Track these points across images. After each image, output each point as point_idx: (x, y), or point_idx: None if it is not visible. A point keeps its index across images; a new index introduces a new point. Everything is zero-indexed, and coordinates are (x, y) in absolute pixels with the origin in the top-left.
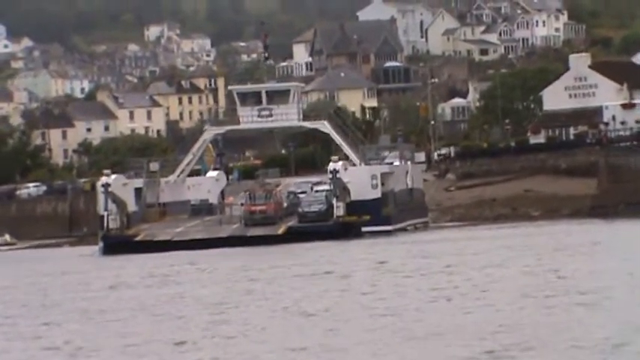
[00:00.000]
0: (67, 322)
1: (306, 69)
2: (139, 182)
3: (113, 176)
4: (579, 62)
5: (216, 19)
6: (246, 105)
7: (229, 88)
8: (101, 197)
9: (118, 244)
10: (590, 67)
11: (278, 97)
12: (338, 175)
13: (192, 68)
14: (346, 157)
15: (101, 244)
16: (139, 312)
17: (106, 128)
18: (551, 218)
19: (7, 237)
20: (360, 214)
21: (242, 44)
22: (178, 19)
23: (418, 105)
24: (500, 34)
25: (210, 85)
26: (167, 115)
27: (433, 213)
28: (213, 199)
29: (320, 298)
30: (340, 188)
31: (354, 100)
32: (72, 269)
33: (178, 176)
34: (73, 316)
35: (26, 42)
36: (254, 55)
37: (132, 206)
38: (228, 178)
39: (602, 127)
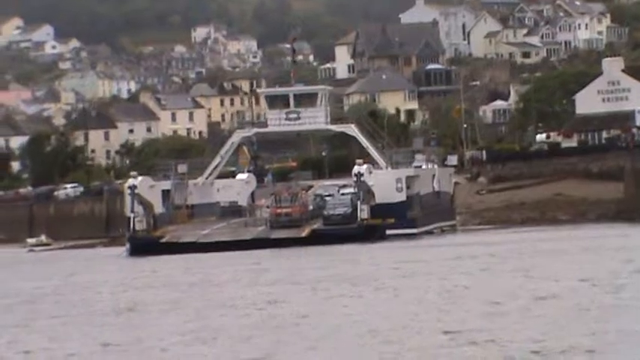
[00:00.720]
0: None
1: (348, 71)
2: (166, 184)
3: (140, 178)
4: (612, 66)
5: (262, 21)
6: (275, 108)
7: (258, 91)
8: (128, 199)
9: (144, 246)
10: (623, 71)
11: (306, 100)
12: (362, 179)
13: (238, 70)
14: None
15: (128, 245)
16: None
17: (148, 129)
18: (578, 222)
19: (43, 237)
20: (385, 217)
21: (288, 46)
22: (225, 20)
23: (456, 108)
24: (542, 37)
25: (253, 87)
26: (209, 116)
27: (463, 216)
28: (243, 202)
29: None
30: (364, 191)
31: (395, 103)
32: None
33: (207, 178)
34: None
35: (74, 43)
36: (300, 57)
37: (159, 208)
38: (263, 180)
39: (634, 130)
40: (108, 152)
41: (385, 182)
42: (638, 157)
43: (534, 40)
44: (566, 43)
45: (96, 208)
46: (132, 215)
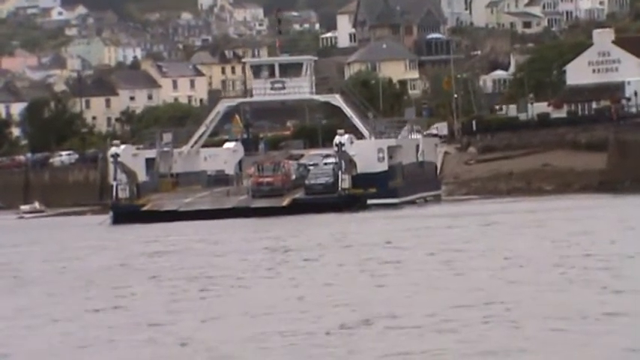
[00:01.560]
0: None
1: (350, 40)
2: (150, 153)
3: (123, 146)
4: (603, 37)
5: None
6: (260, 77)
7: (243, 60)
8: (111, 167)
9: (126, 214)
10: (613, 42)
11: (291, 70)
12: (344, 149)
13: (242, 37)
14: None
15: (111, 213)
16: None
17: (150, 97)
18: (562, 192)
19: (37, 204)
20: (367, 187)
21: (295, 14)
22: None
23: (446, 79)
24: (543, 7)
25: (254, 55)
26: (210, 84)
27: (450, 186)
28: (230, 170)
29: None
30: (346, 161)
31: (396, 72)
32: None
33: (192, 147)
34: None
35: (80, 9)
36: (306, 25)
37: (142, 176)
38: (257, 149)
39: (623, 101)
40: (109, 119)
41: (367, 152)
42: (621, 129)
43: (536, 10)
44: (567, 13)
45: (90, 175)
46: (114, 183)
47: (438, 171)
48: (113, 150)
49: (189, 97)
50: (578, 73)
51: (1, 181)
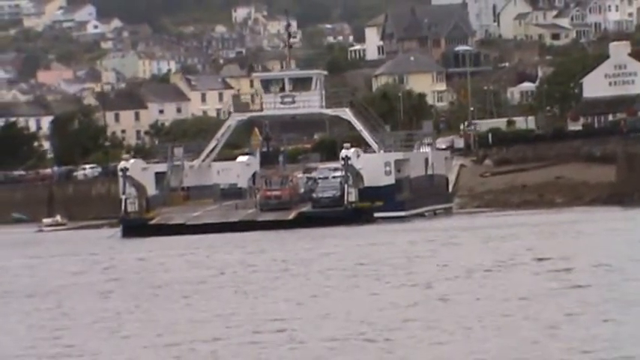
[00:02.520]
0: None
1: (378, 52)
2: (160, 167)
3: (132, 161)
4: (619, 50)
5: (302, 1)
6: (270, 92)
7: (253, 75)
8: (120, 181)
9: (135, 227)
10: (629, 54)
11: (301, 84)
12: (350, 162)
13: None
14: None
15: (120, 226)
16: None
17: (178, 110)
18: (573, 205)
19: (59, 217)
20: (374, 200)
21: (328, 26)
22: (265, 0)
23: (462, 91)
24: (572, 19)
25: (283, 67)
26: (238, 97)
27: (463, 198)
28: (243, 184)
29: None
30: (353, 174)
31: (423, 84)
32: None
33: (203, 161)
34: None
35: (116, 23)
36: (340, 37)
37: (152, 190)
38: (277, 162)
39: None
40: (138, 132)
41: (373, 166)
42: (630, 142)
43: (564, 21)
44: (596, 24)
45: (112, 188)
46: (123, 197)
47: (452, 184)
48: (122, 164)
49: (218, 110)
50: (595, 85)
51: (26, 194)
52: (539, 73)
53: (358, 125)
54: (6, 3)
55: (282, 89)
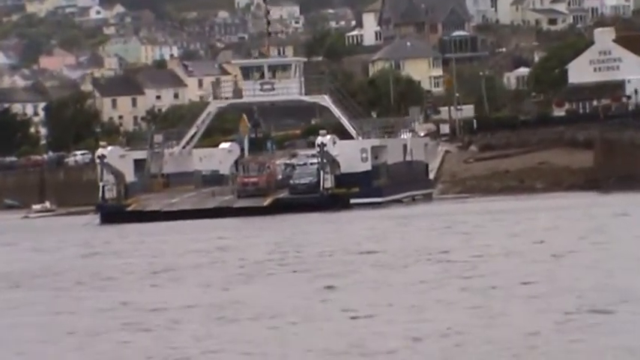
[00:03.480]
0: None
1: (375, 38)
2: (139, 154)
3: (109, 148)
4: (604, 36)
5: None
6: (249, 79)
7: (232, 62)
8: (98, 168)
9: (112, 214)
10: (614, 40)
11: (280, 71)
12: (325, 149)
13: (280, 35)
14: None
15: (98, 213)
16: None
17: (176, 96)
18: (553, 190)
19: (47, 204)
20: (350, 187)
21: (331, 11)
22: None
23: (446, 78)
24: (569, 4)
25: (280, 54)
26: (235, 83)
27: (446, 184)
28: (225, 170)
29: None
30: (329, 161)
31: (420, 70)
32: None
33: (184, 148)
34: None
35: (118, 8)
36: (342, 23)
37: (130, 177)
38: (266, 147)
39: (624, 99)
40: (135, 118)
41: (349, 152)
42: (607, 128)
43: (561, 6)
44: (593, 9)
45: None
46: (101, 184)
47: (436, 169)
48: (99, 151)
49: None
50: (580, 71)
51: (17, 180)
52: (535, 59)
53: (337, 112)
54: None
55: (262, 76)
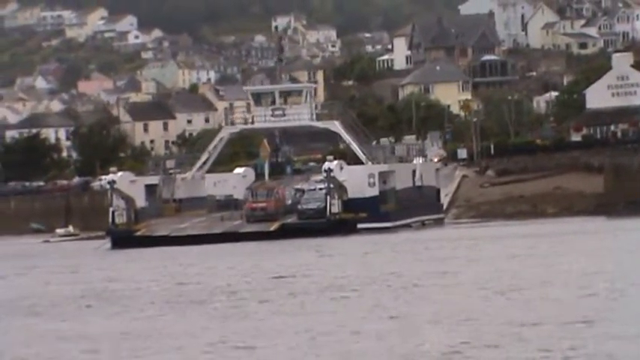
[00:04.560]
0: None
1: (406, 62)
2: (151, 179)
3: (120, 174)
4: (621, 61)
5: (342, 11)
6: (261, 105)
7: (244, 88)
8: (108, 194)
9: (122, 239)
10: (632, 66)
11: (291, 97)
12: (332, 174)
13: (317, 59)
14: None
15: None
16: None
17: (206, 120)
18: (564, 215)
19: (71, 228)
20: (358, 212)
21: (367, 35)
22: (306, 10)
23: (465, 102)
24: (599, 28)
25: (310, 78)
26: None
27: (460, 209)
28: (239, 195)
29: None
30: (336, 186)
31: (449, 94)
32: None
33: (196, 173)
34: None
35: (156, 33)
36: (379, 47)
37: (141, 202)
38: (286, 172)
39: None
40: (166, 142)
41: (357, 177)
42: (617, 153)
43: (592, 31)
44: (623, 34)
45: None
46: (111, 209)
47: (451, 194)
48: (110, 177)
49: (245, 120)
50: (598, 96)
51: (44, 204)
52: (565, 83)
53: (347, 138)
54: (49, 14)
55: (273, 102)
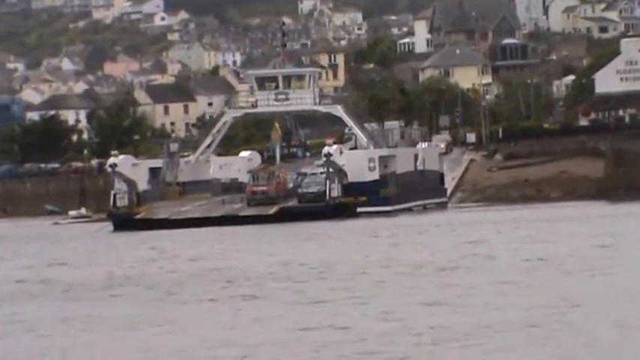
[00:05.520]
0: None
1: (426, 45)
2: (154, 162)
3: (121, 157)
4: (630, 46)
5: None
6: (264, 89)
7: (247, 72)
8: (110, 177)
9: (123, 222)
10: None
11: (294, 81)
12: (332, 159)
13: (343, 42)
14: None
15: (110, 221)
16: None
17: (226, 102)
18: (567, 199)
19: (83, 210)
20: (358, 196)
21: (393, 18)
22: None
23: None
24: (620, 12)
25: (331, 61)
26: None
27: (465, 193)
28: (244, 178)
29: None
30: (336, 170)
31: (469, 77)
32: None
33: (200, 156)
34: None
35: (182, 15)
36: (405, 29)
37: (143, 185)
38: (297, 155)
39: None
40: (187, 125)
41: (357, 162)
42: (618, 138)
43: (612, 14)
44: None
45: None
46: (112, 192)
47: (458, 178)
48: (111, 160)
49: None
50: (607, 81)
51: (59, 186)
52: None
53: (350, 122)
54: None
55: (277, 87)
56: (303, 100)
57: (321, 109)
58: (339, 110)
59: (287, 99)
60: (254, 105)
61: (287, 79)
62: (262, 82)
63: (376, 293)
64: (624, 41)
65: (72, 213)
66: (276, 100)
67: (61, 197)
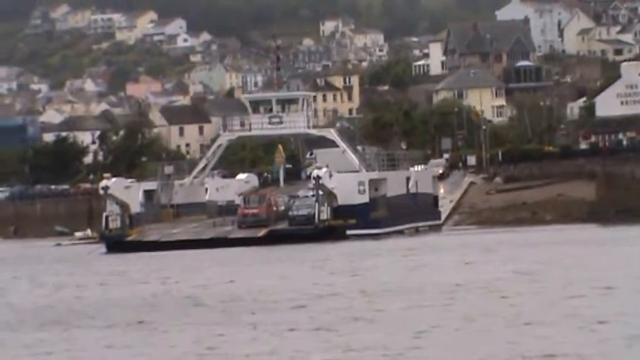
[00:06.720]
0: None
1: (441, 67)
2: (148, 185)
3: (113, 179)
4: (630, 70)
5: (390, 15)
6: (258, 112)
7: (242, 96)
8: (102, 199)
9: (115, 244)
10: None
11: (288, 105)
12: (321, 182)
13: (364, 63)
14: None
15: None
16: None
17: (242, 124)
18: (562, 222)
19: (89, 231)
20: (347, 218)
21: (414, 39)
22: (353, 14)
23: (474, 110)
24: (635, 35)
25: (346, 83)
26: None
27: (462, 215)
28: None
29: None
30: (325, 193)
31: (483, 99)
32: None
33: (194, 179)
34: None
35: (205, 36)
36: (426, 50)
37: (136, 208)
38: (300, 177)
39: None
40: (202, 146)
41: (347, 185)
42: (609, 162)
43: (627, 37)
44: None
45: None
46: (104, 214)
47: (455, 200)
48: (103, 183)
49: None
50: (607, 105)
51: (68, 208)
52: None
53: (342, 145)
54: (99, 17)
55: (270, 110)
56: (296, 123)
57: (315, 132)
58: (332, 133)
59: (281, 122)
60: (249, 128)
61: (281, 102)
62: (257, 106)
63: None
64: (624, 65)
65: (78, 234)
66: (270, 123)
67: (70, 218)
